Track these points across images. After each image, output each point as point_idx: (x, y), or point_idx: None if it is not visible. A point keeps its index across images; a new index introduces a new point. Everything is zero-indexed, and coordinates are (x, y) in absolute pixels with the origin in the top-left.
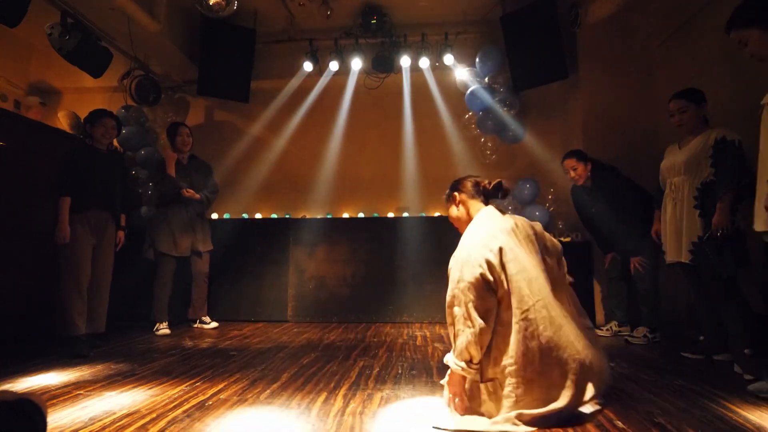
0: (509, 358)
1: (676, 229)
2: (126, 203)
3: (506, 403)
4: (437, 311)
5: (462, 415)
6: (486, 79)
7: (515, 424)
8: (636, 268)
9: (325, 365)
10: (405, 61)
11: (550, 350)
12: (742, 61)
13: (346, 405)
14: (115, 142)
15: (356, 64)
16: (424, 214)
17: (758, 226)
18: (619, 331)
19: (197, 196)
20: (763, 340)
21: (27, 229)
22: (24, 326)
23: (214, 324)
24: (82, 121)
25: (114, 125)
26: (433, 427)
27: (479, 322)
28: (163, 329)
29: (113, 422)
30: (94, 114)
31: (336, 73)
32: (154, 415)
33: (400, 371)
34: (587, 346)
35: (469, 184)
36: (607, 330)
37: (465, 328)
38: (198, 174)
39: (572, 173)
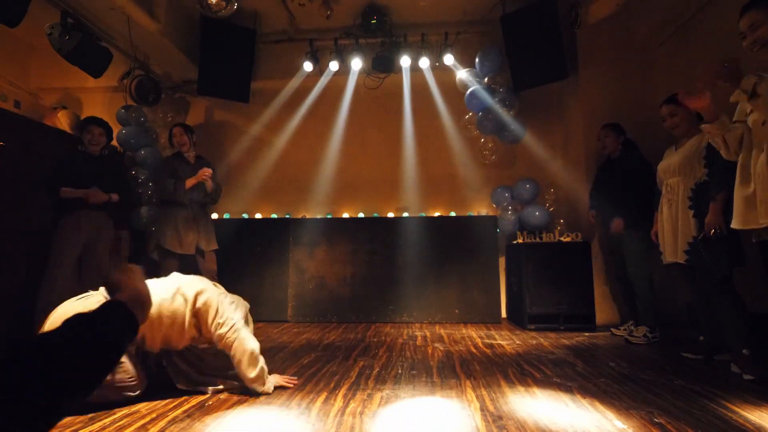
0: None
1: (673, 230)
2: (124, 202)
3: None
4: (437, 311)
5: None
6: (486, 80)
7: None
8: (615, 227)
9: (325, 365)
10: (405, 61)
11: None
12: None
13: (346, 405)
14: (114, 142)
15: (356, 64)
16: (424, 214)
17: (734, 224)
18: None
19: (209, 181)
20: (760, 339)
21: (25, 229)
22: (23, 326)
23: None
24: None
25: (101, 132)
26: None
27: None
28: None
29: (113, 422)
30: (84, 121)
31: (336, 73)
32: (154, 415)
33: (400, 371)
34: None
35: None
36: (624, 329)
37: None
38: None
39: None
